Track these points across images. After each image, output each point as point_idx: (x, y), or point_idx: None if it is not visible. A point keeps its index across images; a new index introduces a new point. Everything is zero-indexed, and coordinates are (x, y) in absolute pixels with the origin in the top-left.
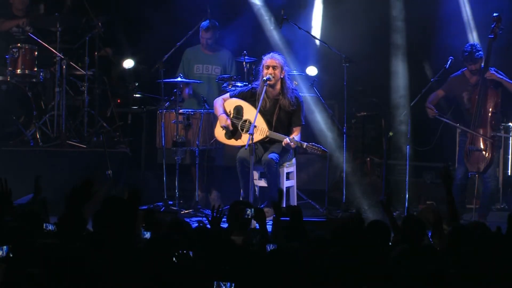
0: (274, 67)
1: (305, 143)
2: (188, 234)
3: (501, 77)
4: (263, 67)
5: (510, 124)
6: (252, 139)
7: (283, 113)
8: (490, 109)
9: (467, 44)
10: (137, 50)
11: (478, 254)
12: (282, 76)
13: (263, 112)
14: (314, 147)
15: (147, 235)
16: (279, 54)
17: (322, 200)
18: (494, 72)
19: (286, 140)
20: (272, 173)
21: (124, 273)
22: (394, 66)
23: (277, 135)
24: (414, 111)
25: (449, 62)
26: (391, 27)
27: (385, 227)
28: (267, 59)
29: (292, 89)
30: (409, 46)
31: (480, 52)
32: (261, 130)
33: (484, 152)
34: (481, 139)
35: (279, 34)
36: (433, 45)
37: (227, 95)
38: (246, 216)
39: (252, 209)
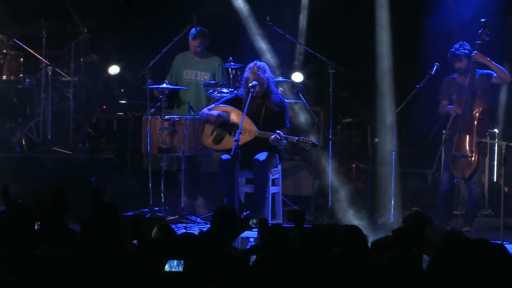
0: (257, 75)
1: (295, 138)
2: (174, 241)
3: (488, 59)
4: (247, 75)
5: (495, 130)
6: (238, 145)
7: (269, 116)
8: (477, 115)
9: (456, 43)
10: (123, 56)
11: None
12: (266, 83)
13: (249, 115)
14: (304, 141)
15: (134, 241)
16: (262, 62)
17: (307, 206)
18: (479, 54)
19: (275, 135)
20: (261, 175)
21: (113, 279)
22: (380, 72)
23: (265, 134)
24: (400, 117)
25: (434, 68)
26: (377, 32)
27: (360, 233)
28: (251, 68)
29: (277, 93)
30: (395, 52)
31: (464, 50)
32: (249, 131)
33: (470, 158)
34: (467, 145)
35: (264, 40)
36: (419, 51)
37: (212, 105)
38: (251, 225)
39: (254, 219)
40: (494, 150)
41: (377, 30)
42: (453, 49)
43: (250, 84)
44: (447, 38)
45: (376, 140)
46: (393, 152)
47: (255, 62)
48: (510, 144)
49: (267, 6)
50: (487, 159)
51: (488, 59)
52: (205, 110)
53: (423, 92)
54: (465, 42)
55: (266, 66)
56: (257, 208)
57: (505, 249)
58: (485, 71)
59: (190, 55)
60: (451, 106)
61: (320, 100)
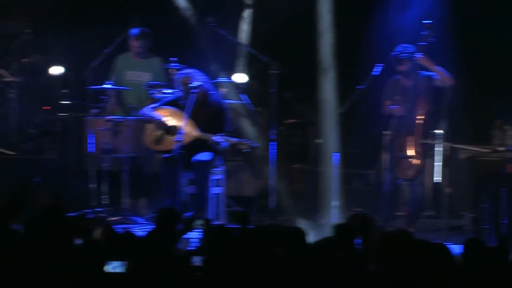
0: (195, 77)
1: (235, 139)
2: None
3: (432, 62)
4: (185, 76)
5: (439, 131)
6: (180, 146)
7: (210, 117)
8: (420, 116)
9: (399, 46)
10: (66, 57)
11: (400, 261)
12: (206, 84)
13: (191, 116)
14: (243, 143)
15: (78, 241)
16: (194, 70)
17: (250, 207)
18: (423, 56)
19: (215, 137)
20: (201, 176)
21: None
22: (323, 73)
23: (206, 135)
24: (343, 118)
25: (377, 69)
26: (320, 33)
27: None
28: (189, 70)
29: (218, 94)
30: (338, 53)
31: (406, 53)
32: (190, 132)
33: (413, 160)
34: (410, 146)
35: (207, 41)
36: (363, 52)
37: (154, 106)
38: (194, 226)
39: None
40: (438, 151)
41: (320, 31)
42: (395, 52)
43: (192, 85)
44: (392, 39)
45: (319, 140)
46: (336, 153)
47: (187, 71)
48: (453, 145)
49: (209, 7)
50: (430, 160)
51: (432, 61)
52: (146, 110)
53: (367, 93)
54: (407, 45)
55: (200, 73)
56: (199, 208)
57: (448, 250)
58: (428, 73)
59: (131, 56)
60: (394, 106)
61: (263, 100)
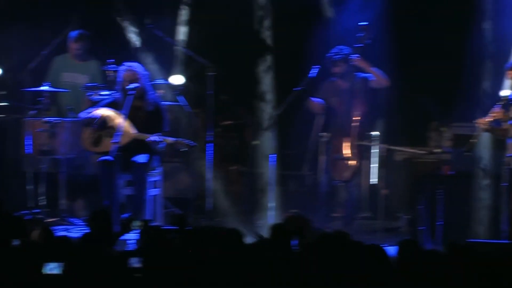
0: (134, 77)
1: (172, 139)
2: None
3: (368, 63)
4: (124, 77)
5: (375, 133)
6: (117, 148)
7: (147, 118)
8: (356, 118)
9: (334, 48)
10: (3, 58)
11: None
12: (143, 85)
13: (128, 118)
14: (181, 142)
15: (15, 242)
16: (138, 64)
17: (187, 208)
18: (359, 58)
19: (152, 137)
20: (139, 178)
21: None
22: (261, 74)
23: (143, 136)
24: (280, 120)
25: (314, 71)
26: (259, 34)
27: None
28: (127, 70)
29: (153, 95)
30: (277, 54)
31: (340, 55)
32: (128, 133)
33: (349, 161)
34: (346, 147)
35: (143, 43)
36: (302, 54)
37: (92, 108)
38: (131, 227)
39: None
40: (374, 153)
41: (259, 32)
42: (330, 54)
43: (129, 87)
44: (330, 41)
45: (256, 142)
46: (272, 155)
47: (131, 64)
48: (390, 147)
49: (147, 8)
50: (367, 161)
51: (368, 63)
52: (84, 112)
53: (303, 94)
54: (343, 46)
55: (143, 68)
56: (137, 210)
57: (383, 251)
58: (364, 74)
59: (68, 58)
60: (319, 101)
61: (200, 102)
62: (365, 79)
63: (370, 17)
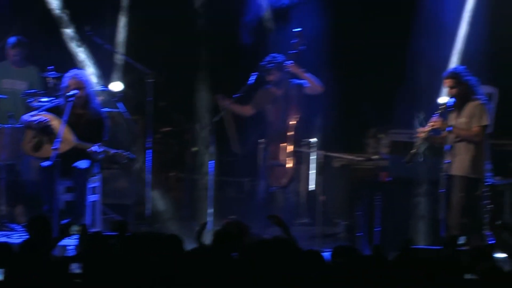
0: (77, 84)
1: (112, 150)
2: None
3: (302, 70)
4: (67, 84)
5: (313, 139)
6: (57, 154)
7: (88, 126)
8: (292, 124)
9: (267, 56)
10: None
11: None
12: (86, 92)
13: (69, 125)
14: (121, 154)
15: None
16: (81, 71)
17: (127, 214)
18: (293, 64)
19: (93, 147)
20: (79, 184)
21: None
22: (199, 81)
23: (83, 144)
24: (219, 126)
25: (252, 78)
26: (197, 42)
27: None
28: (70, 77)
29: (96, 103)
30: (215, 60)
31: (273, 63)
32: (68, 140)
33: (286, 167)
34: (283, 154)
35: (84, 50)
36: (239, 61)
37: (33, 113)
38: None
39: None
40: (312, 159)
41: (196, 40)
42: (263, 62)
43: (69, 93)
44: (268, 48)
45: (195, 149)
46: (211, 161)
47: (74, 71)
48: (328, 153)
49: (87, 15)
50: (305, 168)
51: (302, 69)
52: (25, 116)
53: (242, 101)
54: (276, 54)
55: (86, 75)
56: (77, 215)
57: (322, 257)
58: (298, 81)
59: (7, 64)
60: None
61: (139, 109)
62: (300, 85)
63: (311, 24)
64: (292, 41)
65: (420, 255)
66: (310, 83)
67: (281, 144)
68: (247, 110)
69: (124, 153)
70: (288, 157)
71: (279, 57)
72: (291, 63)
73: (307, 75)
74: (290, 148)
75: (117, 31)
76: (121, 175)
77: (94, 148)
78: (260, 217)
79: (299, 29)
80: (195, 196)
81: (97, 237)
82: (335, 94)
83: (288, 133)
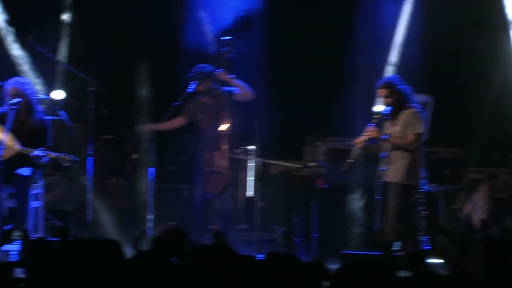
0: (19, 92)
1: (55, 154)
2: None
3: (231, 77)
4: (9, 91)
5: (250, 147)
6: (1, 161)
7: (31, 133)
8: (225, 131)
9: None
10: None
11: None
12: (28, 100)
13: (12, 132)
14: (64, 157)
15: None
16: (24, 79)
17: (68, 221)
18: (223, 72)
19: (36, 151)
20: (21, 190)
21: None
22: (139, 90)
23: (26, 150)
24: (158, 134)
25: (191, 87)
26: (138, 51)
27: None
28: (13, 85)
29: (39, 110)
30: (154, 70)
31: (203, 74)
32: (11, 147)
33: (221, 174)
34: (218, 161)
35: (26, 58)
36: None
37: None
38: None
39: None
40: (250, 166)
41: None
42: (190, 74)
43: (13, 101)
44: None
45: (135, 156)
46: (151, 168)
47: (17, 79)
48: (265, 160)
49: (28, 25)
50: (243, 174)
51: (232, 77)
52: None
53: (181, 109)
54: (204, 64)
55: (29, 83)
56: (19, 222)
57: (257, 262)
58: (229, 88)
59: None
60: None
61: (81, 116)
62: (230, 92)
63: (250, 34)
64: (221, 49)
65: (353, 260)
66: (241, 89)
67: (215, 152)
68: (179, 122)
69: (67, 156)
70: (222, 164)
71: (207, 67)
72: (221, 71)
73: (237, 82)
74: (224, 155)
75: (59, 39)
76: (63, 181)
77: (37, 152)
78: (198, 223)
79: (228, 37)
80: (136, 202)
81: (39, 242)
82: (273, 102)
83: (222, 141)
